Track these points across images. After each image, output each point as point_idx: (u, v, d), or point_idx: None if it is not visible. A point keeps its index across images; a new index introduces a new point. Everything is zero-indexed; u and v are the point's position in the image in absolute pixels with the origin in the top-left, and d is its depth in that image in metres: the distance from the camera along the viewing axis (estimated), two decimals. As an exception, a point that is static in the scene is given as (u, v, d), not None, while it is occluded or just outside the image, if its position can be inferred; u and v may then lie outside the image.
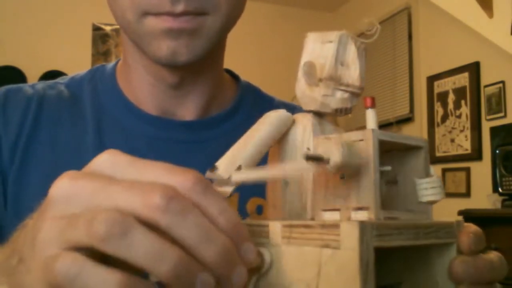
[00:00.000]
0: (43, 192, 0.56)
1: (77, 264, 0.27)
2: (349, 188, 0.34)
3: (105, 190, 0.28)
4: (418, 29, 3.50)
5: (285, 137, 0.39)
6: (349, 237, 0.28)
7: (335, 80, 0.37)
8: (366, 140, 0.33)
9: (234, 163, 0.33)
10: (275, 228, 0.32)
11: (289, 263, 0.32)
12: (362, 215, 0.33)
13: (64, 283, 0.26)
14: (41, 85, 0.65)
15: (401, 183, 0.38)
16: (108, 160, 0.31)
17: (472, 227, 0.37)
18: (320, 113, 0.39)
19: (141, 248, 0.26)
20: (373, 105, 0.36)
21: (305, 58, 0.38)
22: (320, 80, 0.37)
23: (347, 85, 0.37)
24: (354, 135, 0.34)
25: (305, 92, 0.38)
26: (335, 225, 0.29)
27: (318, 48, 0.38)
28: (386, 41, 3.82)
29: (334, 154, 0.31)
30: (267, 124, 0.38)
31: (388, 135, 0.34)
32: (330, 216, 0.35)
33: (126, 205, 0.28)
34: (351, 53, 0.37)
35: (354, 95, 0.38)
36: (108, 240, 0.26)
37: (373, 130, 0.33)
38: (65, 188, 0.29)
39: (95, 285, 0.26)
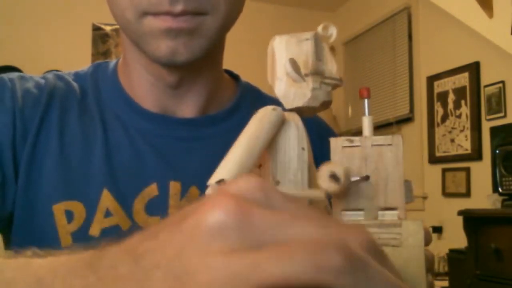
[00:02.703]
0: (52, 176, 0.57)
1: None
2: (375, 189, 0.36)
3: (289, 224, 0.23)
4: (418, 29, 3.51)
5: (277, 134, 0.39)
6: (414, 235, 0.31)
7: (320, 74, 0.39)
8: (395, 145, 0.36)
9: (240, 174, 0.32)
10: None
11: None
12: (392, 215, 0.35)
13: None
14: (51, 75, 0.66)
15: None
16: (261, 189, 0.25)
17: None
18: (302, 111, 0.39)
19: (379, 284, 0.22)
20: (368, 95, 0.37)
21: (283, 57, 0.39)
22: (306, 75, 0.38)
23: (330, 78, 0.39)
24: (382, 140, 0.36)
25: (291, 90, 0.39)
26: (395, 224, 0.32)
27: (294, 47, 0.39)
28: (386, 41, 3.82)
29: (341, 173, 0.33)
30: (267, 123, 0.37)
31: None
32: (353, 217, 0.36)
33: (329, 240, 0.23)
34: (325, 49, 0.40)
35: (335, 87, 0.40)
36: (344, 273, 0.21)
37: (401, 136, 0.36)
38: (231, 215, 0.23)
39: None
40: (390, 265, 0.24)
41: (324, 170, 0.33)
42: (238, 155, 0.32)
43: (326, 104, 0.40)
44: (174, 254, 0.23)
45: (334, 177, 0.32)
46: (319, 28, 0.39)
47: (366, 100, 0.38)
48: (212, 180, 0.30)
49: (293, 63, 0.38)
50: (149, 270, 0.24)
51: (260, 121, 0.37)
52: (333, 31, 0.39)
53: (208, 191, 0.31)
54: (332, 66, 0.40)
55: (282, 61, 0.39)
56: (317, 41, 0.39)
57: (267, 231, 0.23)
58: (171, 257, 0.23)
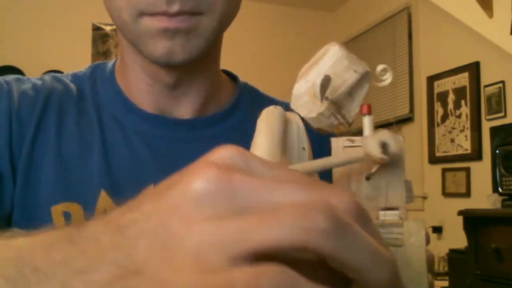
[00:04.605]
0: (51, 177, 0.57)
1: (290, 280, 0.20)
2: (376, 189, 0.35)
3: (273, 188, 0.23)
4: (418, 29, 3.50)
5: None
6: (416, 235, 0.31)
7: (337, 106, 0.38)
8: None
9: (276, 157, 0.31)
10: None
11: None
12: (393, 215, 0.35)
13: None
14: (48, 77, 0.66)
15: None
16: (241, 156, 0.25)
17: None
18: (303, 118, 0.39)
19: (362, 249, 0.22)
20: (369, 112, 0.37)
21: (325, 66, 0.38)
22: (327, 98, 0.37)
23: (343, 116, 0.39)
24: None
25: (305, 97, 0.38)
26: (396, 224, 0.32)
27: (342, 67, 0.38)
28: (386, 41, 3.82)
29: (392, 144, 0.33)
30: (274, 120, 0.37)
31: None
32: None
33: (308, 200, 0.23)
34: (363, 91, 0.39)
35: (339, 125, 0.39)
36: (330, 235, 0.21)
37: (402, 137, 0.36)
38: (214, 183, 0.23)
39: None
40: (374, 229, 0.24)
41: (375, 138, 0.32)
42: (261, 153, 0.32)
43: (322, 131, 0.39)
44: (159, 223, 0.23)
45: (384, 146, 0.32)
46: (378, 68, 0.39)
47: (366, 117, 0.37)
48: None
49: (325, 81, 0.37)
50: (133, 239, 0.23)
51: (267, 121, 0.37)
52: (388, 78, 0.38)
53: None
54: (354, 109, 0.39)
55: (322, 70, 0.38)
56: (363, 79, 0.39)
57: (251, 197, 0.23)
58: (156, 226, 0.23)
